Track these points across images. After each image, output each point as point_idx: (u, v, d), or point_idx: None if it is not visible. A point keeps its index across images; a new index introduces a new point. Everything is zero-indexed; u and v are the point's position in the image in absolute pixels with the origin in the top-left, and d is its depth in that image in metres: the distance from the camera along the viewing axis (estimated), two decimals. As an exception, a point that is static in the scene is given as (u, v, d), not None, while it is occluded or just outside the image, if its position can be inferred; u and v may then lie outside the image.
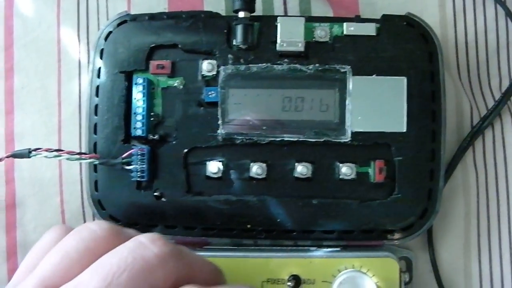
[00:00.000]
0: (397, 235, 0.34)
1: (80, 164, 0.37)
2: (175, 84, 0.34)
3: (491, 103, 0.37)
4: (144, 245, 0.24)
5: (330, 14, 0.37)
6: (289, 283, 0.32)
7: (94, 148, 0.34)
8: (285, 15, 0.38)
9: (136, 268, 0.23)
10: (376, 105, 0.33)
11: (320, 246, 0.34)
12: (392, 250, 0.34)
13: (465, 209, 0.36)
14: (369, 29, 0.34)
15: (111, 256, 0.24)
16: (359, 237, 0.34)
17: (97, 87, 0.35)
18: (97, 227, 0.26)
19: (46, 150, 0.33)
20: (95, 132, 0.34)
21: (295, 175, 0.33)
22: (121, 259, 0.23)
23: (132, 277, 0.23)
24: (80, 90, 0.37)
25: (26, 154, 0.33)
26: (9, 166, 0.37)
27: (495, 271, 0.36)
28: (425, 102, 0.34)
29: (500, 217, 0.36)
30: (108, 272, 0.23)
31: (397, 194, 0.33)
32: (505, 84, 0.37)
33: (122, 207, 0.34)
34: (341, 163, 0.33)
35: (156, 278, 0.24)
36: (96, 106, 0.34)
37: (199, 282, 0.25)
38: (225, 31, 0.34)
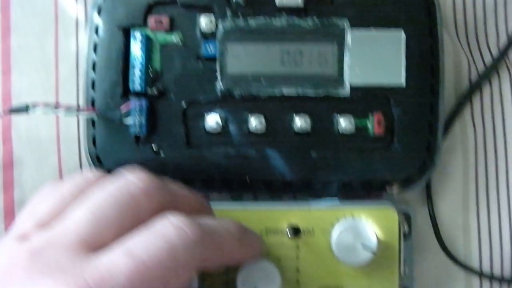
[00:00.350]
0: (396, 187, 0.34)
1: (78, 121, 0.36)
2: (174, 40, 0.34)
3: (488, 60, 0.37)
4: (128, 179, 0.26)
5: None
6: (288, 233, 0.32)
7: (92, 104, 0.34)
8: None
9: (121, 200, 0.25)
10: (374, 58, 0.34)
11: (320, 199, 0.34)
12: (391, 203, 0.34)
13: (463, 165, 0.36)
14: (368, -17, 0.34)
15: (98, 191, 0.25)
16: (358, 189, 0.34)
17: (95, 44, 0.34)
18: (90, 173, 0.28)
19: (44, 105, 0.33)
20: (93, 89, 0.34)
21: (294, 129, 0.34)
22: (107, 193, 0.25)
23: (118, 208, 0.24)
24: (77, 48, 0.37)
25: (24, 109, 0.33)
26: (6, 125, 0.37)
27: (493, 226, 0.36)
28: (424, 56, 0.34)
29: (498, 173, 0.36)
30: (96, 205, 0.24)
31: (395, 146, 0.34)
32: (503, 41, 0.37)
33: (121, 162, 0.34)
34: (340, 116, 0.34)
35: (141, 208, 0.25)
36: (94, 63, 0.34)
37: (185, 212, 0.26)
38: (224, -15, 0.34)
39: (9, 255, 0.24)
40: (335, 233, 0.31)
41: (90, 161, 0.34)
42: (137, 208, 0.25)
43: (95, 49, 0.34)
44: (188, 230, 0.24)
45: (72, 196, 0.26)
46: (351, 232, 0.31)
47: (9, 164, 0.37)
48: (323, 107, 0.34)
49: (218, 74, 0.34)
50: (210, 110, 0.34)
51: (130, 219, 0.25)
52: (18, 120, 0.37)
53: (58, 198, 0.27)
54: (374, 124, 0.33)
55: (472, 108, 0.37)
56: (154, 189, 0.26)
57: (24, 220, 0.26)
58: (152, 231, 0.24)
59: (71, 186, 0.27)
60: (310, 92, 0.33)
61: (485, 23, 0.38)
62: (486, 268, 0.36)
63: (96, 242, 0.24)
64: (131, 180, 0.26)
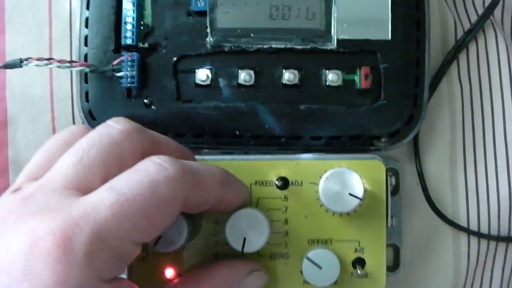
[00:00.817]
0: (383, 141, 0.34)
1: (71, 79, 0.37)
2: (165, -5, 0.35)
3: (474, 19, 0.37)
4: (109, 125, 0.27)
5: None
6: (277, 184, 0.33)
7: (85, 59, 0.35)
8: None
9: (103, 143, 0.25)
10: (361, 13, 0.34)
11: (308, 152, 0.34)
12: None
13: (450, 122, 0.37)
14: None
15: (82, 139, 0.26)
16: (346, 143, 0.34)
17: (88, 0, 0.35)
18: (75, 127, 0.30)
19: (38, 59, 0.34)
20: (85, 44, 0.35)
21: (283, 82, 0.34)
22: (89, 138, 0.26)
23: (101, 150, 0.25)
24: (70, 7, 0.38)
25: (18, 63, 0.34)
26: (0, 84, 0.37)
27: (480, 183, 0.37)
28: (410, 10, 0.34)
29: (485, 129, 0.37)
30: (79, 149, 0.25)
31: (383, 100, 0.34)
32: (488, 1, 0.38)
33: (113, 116, 0.33)
34: (327, 70, 0.34)
35: (123, 149, 0.26)
36: (87, 19, 0.35)
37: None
38: None
39: (3, 204, 0.25)
40: (322, 181, 0.31)
41: (83, 117, 0.35)
42: (118, 149, 0.26)
43: (87, 5, 0.35)
44: (169, 166, 0.24)
45: (59, 148, 0.27)
46: (338, 181, 0.31)
47: (3, 123, 0.37)
48: (311, 60, 0.34)
49: (208, 28, 0.34)
50: (200, 63, 0.34)
51: (113, 161, 0.25)
52: (12, 79, 0.37)
53: (46, 151, 0.28)
54: (361, 77, 0.34)
55: (458, 66, 0.37)
56: (134, 131, 0.27)
57: (19, 177, 0.28)
58: (134, 169, 0.24)
59: (57, 140, 0.28)
60: (298, 45, 0.34)
61: (471, -18, 0.38)
62: (473, 225, 0.37)
63: (83, 185, 0.24)
64: (111, 124, 0.27)
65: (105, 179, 0.25)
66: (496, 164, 0.37)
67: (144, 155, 0.26)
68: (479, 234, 0.37)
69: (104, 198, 0.23)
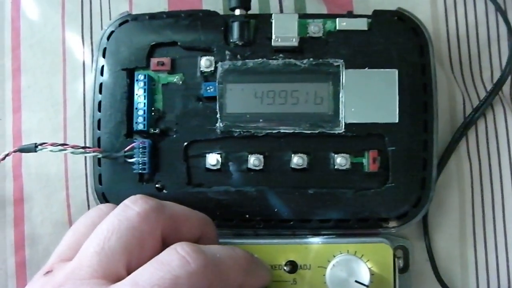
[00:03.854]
0: (392, 223, 0.35)
1: (85, 159, 0.38)
2: (175, 80, 0.35)
3: (483, 95, 0.38)
4: (127, 207, 0.28)
5: (324, 11, 0.39)
6: (285, 268, 0.33)
7: (98, 143, 0.36)
8: (281, 12, 0.39)
9: (122, 228, 0.26)
10: (369, 97, 0.34)
11: (317, 235, 0.35)
12: (389, 239, 0.35)
13: (459, 199, 0.37)
14: (361, 24, 0.35)
15: (102, 223, 0.27)
16: (354, 226, 0.35)
17: (101, 85, 0.36)
18: (103, 206, 0.31)
19: (52, 145, 0.34)
20: (98, 128, 0.36)
21: (292, 166, 0.35)
22: (109, 224, 0.27)
23: (120, 236, 0.26)
24: (84, 88, 0.39)
25: (33, 148, 0.35)
26: (16, 162, 0.38)
27: (490, 259, 0.37)
28: (417, 93, 0.35)
29: (495, 206, 0.37)
30: (100, 237, 0.26)
31: (391, 183, 0.34)
32: (497, 76, 0.38)
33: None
34: (336, 153, 0.34)
35: (142, 233, 0.27)
36: (100, 102, 0.36)
37: (187, 232, 0.28)
38: (222, 28, 0.35)
39: None
40: (330, 267, 0.32)
41: (96, 198, 0.36)
42: (137, 233, 0.27)
43: (100, 90, 0.36)
44: (193, 261, 0.25)
45: (87, 229, 0.29)
46: (344, 268, 0.32)
47: (19, 200, 0.38)
48: (319, 144, 0.35)
49: (218, 113, 0.35)
50: (210, 148, 0.35)
51: (133, 245, 0.26)
52: (28, 157, 0.38)
53: (74, 233, 0.29)
54: (369, 161, 0.34)
55: (467, 143, 0.37)
56: (152, 212, 0.28)
57: (51, 258, 0.29)
58: (158, 261, 0.25)
59: (86, 220, 0.30)
60: (306, 130, 0.34)
61: (479, 58, 0.38)
62: (484, 301, 0.37)
63: (108, 273, 0.25)
64: (129, 205, 0.28)
65: (128, 264, 0.26)
66: (506, 241, 0.37)
67: (163, 234, 0.28)
68: (489, 311, 0.37)
69: None
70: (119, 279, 0.25)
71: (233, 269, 0.27)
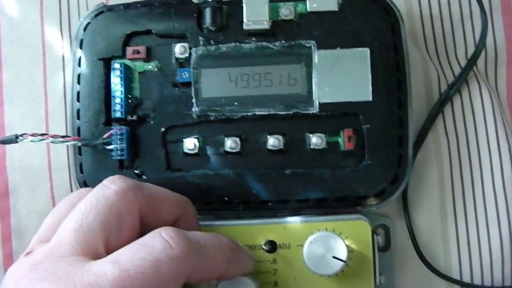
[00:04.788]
0: (370, 201, 0.35)
1: (67, 150, 0.38)
2: (151, 68, 0.36)
3: (458, 72, 0.38)
4: (105, 186, 0.28)
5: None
6: (265, 248, 0.34)
7: (78, 132, 0.36)
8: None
9: (99, 205, 0.27)
10: (341, 76, 0.35)
11: (297, 215, 0.35)
12: (369, 217, 0.35)
13: (439, 176, 0.37)
14: (332, 5, 0.35)
15: (81, 202, 0.27)
16: (333, 205, 0.35)
17: (79, 75, 0.36)
18: (84, 189, 0.31)
19: (32, 135, 0.35)
20: (78, 118, 0.36)
21: (268, 147, 0.35)
22: (87, 202, 0.27)
23: (98, 213, 0.27)
24: (64, 81, 0.39)
25: (14, 139, 0.35)
26: (0, 155, 0.39)
27: (471, 235, 0.37)
28: (390, 71, 0.35)
29: (474, 181, 0.37)
30: (79, 215, 0.27)
31: (367, 161, 0.35)
32: (471, 52, 0.38)
33: None
34: (311, 133, 0.35)
35: (119, 210, 0.27)
36: (78, 93, 0.36)
37: (165, 212, 0.29)
38: (195, 15, 0.36)
39: (17, 268, 0.27)
40: (307, 244, 0.32)
41: (79, 187, 0.36)
42: (115, 210, 0.27)
43: (78, 80, 0.36)
44: (175, 245, 0.25)
45: (67, 211, 0.29)
46: (321, 244, 0.32)
47: (5, 193, 0.39)
48: (294, 125, 0.35)
49: (193, 98, 0.35)
50: (188, 133, 0.35)
51: (111, 222, 0.27)
52: (12, 151, 0.39)
53: (55, 215, 0.30)
54: (344, 140, 0.35)
55: (444, 120, 0.37)
56: (129, 190, 0.28)
57: (32, 240, 0.30)
58: (141, 242, 0.26)
59: (66, 203, 0.30)
60: (281, 111, 0.35)
61: (453, 35, 0.39)
62: (466, 277, 0.37)
63: (87, 249, 0.26)
64: (106, 185, 0.28)
65: (106, 241, 0.26)
66: (487, 216, 0.37)
67: (141, 213, 0.28)
68: (472, 286, 0.37)
69: (108, 272, 0.24)
70: (98, 256, 0.26)
71: (216, 256, 0.28)
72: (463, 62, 0.38)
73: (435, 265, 0.37)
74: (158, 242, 0.25)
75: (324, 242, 0.32)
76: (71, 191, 0.39)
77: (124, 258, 0.25)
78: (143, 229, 0.29)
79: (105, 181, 0.29)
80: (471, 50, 0.38)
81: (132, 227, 0.28)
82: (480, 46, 0.37)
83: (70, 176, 0.39)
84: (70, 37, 0.40)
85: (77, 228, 0.26)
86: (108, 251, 0.26)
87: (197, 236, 0.27)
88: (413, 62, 0.36)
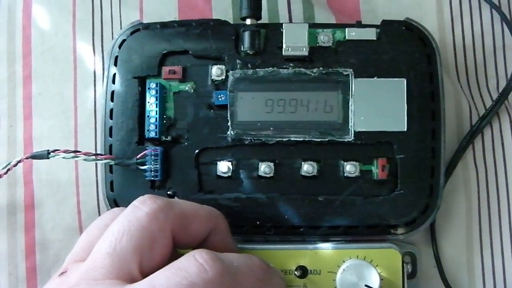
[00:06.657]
0: (400, 230, 0.35)
1: (96, 166, 0.38)
2: (186, 88, 0.36)
3: (489, 103, 0.38)
4: (136, 207, 0.28)
5: (333, 21, 0.39)
6: (296, 273, 0.34)
7: (109, 150, 0.36)
8: (290, 22, 0.39)
9: (132, 229, 0.27)
10: (377, 105, 0.35)
11: (327, 241, 0.35)
12: (397, 244, 0.35)
13: (466, 206, 0.38)
14: (370, 34, 0.35)
15: (113, 224, 0.27)
16: (363, 232, 0.35)
17: (112, 92, 0.36)
18: (117, 209, 0.31)
19: (64, 152, 0.35)
20: (110, 135, 0.36)
21: (302, 174, 0.35)
22: (119, 225, 0.27)
23: (131, 237, 0.27)
24: (95, 96, 0.39)
25: (45, 155, 0.35)
26: (27, 168, 0.39)
27: (497, 265, 0.37)
28: (425, 102, 0.35)
29: (501, 213, 0.37)
30: (111, 239, 0.27)
31: (399, 190, 0.35)
32: (502, 84, 0.38)
33: None
34: (345, 161, 0.35)
35: (152, 232, 0.27)
36: (111, 110, 0.36)
37: (197, 228, 0.29)
38: (233, 37, 0.36)
39: None
40: (340, 272, 0.32)
41: (108, 205, 0.36)
42: (147, 233, 0.27)
43: (112, 98, 0.36)
44: (210, 268, 0.25)
45: (100, 231, 0.29)
46: (354, 272, 0.32)
47: (30, 206, 0.39)
48: (329, 152, 0.35)
49: (229, 121, 0.35)
50: (221, 155, 0.35)
51: (144, 245, 0.27)
52: (38, 164, 0.39)
53: (88, 235, 0.30)
54: (378, 169, 0.35)
55: (474, 151, 0.38)
56: (160, 211, 0.28)
57: (66, 260, 0.30)
58: (175, 266, 0.26)
59: (99, 222, 0.30)
60: (316, 138, 0.35)
61: (485, 66, 0.39)
62: (490, 306, 0.37)
63: (122, 273, 0.26)
64: (137, 206, 0.28)
65: (140, 264, 0.26)
66: (512, 247, 0.37)
67: (173, 232, 0.28)
68: (496, 316, 0.37)
69: None
70: (132, 279, 0.26)
71: (249, 278, 0.28)
72: (494, 94, 0.38)
73: (459, 294, 0.37)
74: (192, 266, 0.25)
75: (357, 270, 0.33)
76: (98, 207, 0.38)
77: (159, 282, 0.25)
78: (176, 245, 0.29)
79: (136, 202, 0.29)
80: (502, 81, 0.39)
81: (164, 246, 0.28)
82: (512, 79, 0.37)
83: (97, 192, 0.38)
84: (102, 52, 0.39)
85: (111, 252, 0.26)
86: (142, 273, 0.26)
87: (229, 257, 0.28)
88: (445, 92, 0.37)
